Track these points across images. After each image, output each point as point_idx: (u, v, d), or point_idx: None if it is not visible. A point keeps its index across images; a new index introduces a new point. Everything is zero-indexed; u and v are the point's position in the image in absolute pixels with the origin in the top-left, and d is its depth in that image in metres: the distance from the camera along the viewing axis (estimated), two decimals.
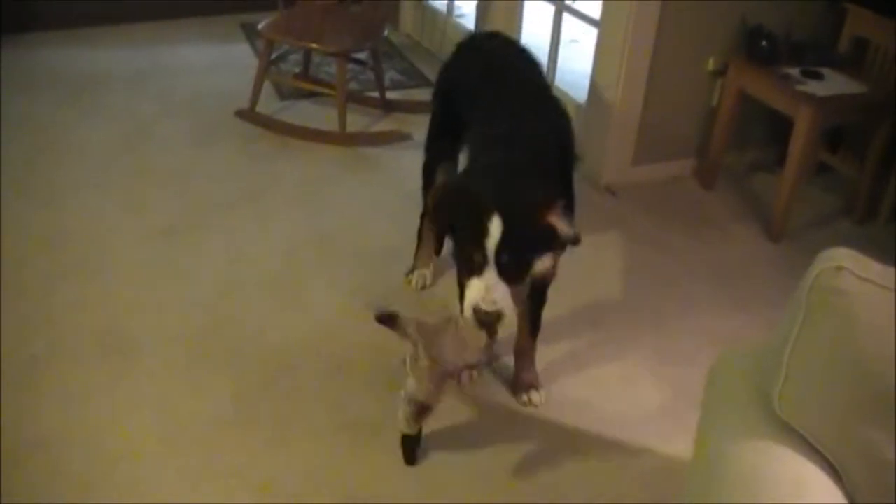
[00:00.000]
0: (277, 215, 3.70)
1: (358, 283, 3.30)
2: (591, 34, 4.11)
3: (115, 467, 2.51)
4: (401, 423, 2.47)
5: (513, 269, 2.21)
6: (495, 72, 2.87)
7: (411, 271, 3.29)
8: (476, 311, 2.20)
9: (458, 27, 5.29)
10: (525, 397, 2.76)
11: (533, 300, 2.68)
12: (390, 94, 4.82)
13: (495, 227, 2.15)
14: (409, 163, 3.86)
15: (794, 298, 1.52)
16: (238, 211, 3.71)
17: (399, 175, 4.03)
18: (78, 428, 2.62)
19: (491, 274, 2.19)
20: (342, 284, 3.29)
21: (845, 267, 1.45)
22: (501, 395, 2.81)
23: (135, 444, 2.59)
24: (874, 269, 1.46)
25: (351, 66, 4.62)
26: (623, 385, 2.90)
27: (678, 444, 2.59)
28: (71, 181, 3.83)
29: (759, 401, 1.60)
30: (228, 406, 2.73)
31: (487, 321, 2.22)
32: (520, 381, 2.79)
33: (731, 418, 1.64)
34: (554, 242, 2.25)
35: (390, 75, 5.11)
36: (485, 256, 2.18)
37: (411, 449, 2.54)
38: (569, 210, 2.38)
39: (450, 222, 2.31)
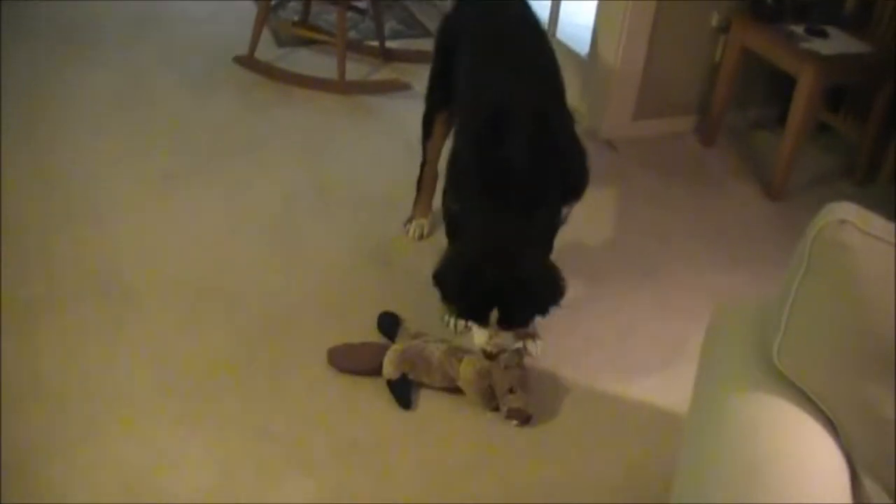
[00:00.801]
0: (276, 163, 3.68)
1: (357, 231, 3.29)
2: None
3: (112, 410, 2.52)
4: (385, 368, 2.58)
5: (514, 325, 2.44)
6: (495, 24, 2.85)
7: (409, 221, 3.28)
8: (483, 351, 2.45)
9: None
10: (522, 346, 2.74)
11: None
12: (390, 44, 4.78)
13: (494, 305, 2.35)
14: (408, 112, 3.83)
15: (796, 252, 1.51)
16: (237, 158, 3.69)
17: (398, 124, 4.01)
18: (76, 371, 2.62)
19: (493, 327, 2.41)
20: (341, 232, 3.28)
21: (849, 221, 1.44)
22: None
23: (132, 389, 2.59)
24: (877, 223, 1.45)
25: (350, 14, 4.57)
26: (620, 339, 2.91)
27: (675, 397, 2.60)
28: (71, 128, 3.80)
29: (757, 354, 1.60)
30: (226, 352, 2.73)
31: (493, 355, 2.47)
32: (518, 330, 2.78)
33: (730, 370, 1.64)
34: (556, 296, 2.45)
35: (390, 25, 5.07)
36: (488, 320, 2.39)
37: (401, 393, 2.58)
38: (574, 168, 2.58)
39: (455, 295, 2.46)
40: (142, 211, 3.34)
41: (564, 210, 2.59)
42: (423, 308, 2.89)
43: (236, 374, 2.66)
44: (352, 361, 2.67)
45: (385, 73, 4.57)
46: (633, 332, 2.93)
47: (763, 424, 1.49)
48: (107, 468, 2.37)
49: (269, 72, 4.40)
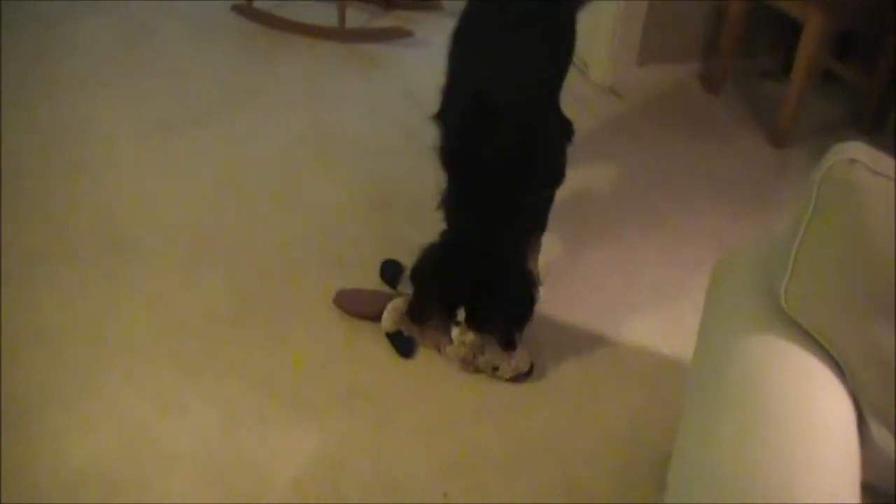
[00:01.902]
0: (276, 112, 3.64)
1: (356, 180, 3.26)
2: None
3: (111, 361, 2.52)
4: (383, 321, 2.58)
5: (480, 327, 2.45)
6: None
7: None
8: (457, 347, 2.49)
9: None
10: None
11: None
12: None
13: (459, 302, 2.43)
14: (409, 60, 3.80)
15: (804, 192, 1.48)
16: (236, 107, 3.65)
17: (399, 73, 3.96)
18: (75, 323, 2.61)
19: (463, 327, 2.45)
20: (341, 181, 3.25)
21: (858, 160, 1.41)
22: None
23: (132, 339, 2.59)
24: (888, 163, 1.42)
25: None
26: (622, 286, 2.89)
27: (678, 344, 2.59)
28: (68, 78, 3.76)
29: (764, 296, 1.57)
30: (225, 301, 2.72)
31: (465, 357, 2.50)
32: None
33: (735, 313, 1.62)
34: (523, 302, 2.44)
35: None
36: (454, 316, 2.44)
37: (400, 344, 2.57)
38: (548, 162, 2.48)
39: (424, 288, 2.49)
40: (141, 160, 3.31)
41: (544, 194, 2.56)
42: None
43: (236, 323, 2.65)
44: (357, 305, 2.66)
45: (386, 21, 4.49)
46: (636, 279, 2.90)
47: (769, 367, 1.47)
48: (106, 417, 2.37)
49: (267, 20, 4.34)
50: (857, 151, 1.43)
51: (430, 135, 3.28)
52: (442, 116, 2.44)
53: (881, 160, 1.42)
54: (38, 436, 2.32)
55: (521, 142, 2.31)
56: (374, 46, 4.23)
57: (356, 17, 4.39)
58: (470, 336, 2.45)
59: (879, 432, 1.50)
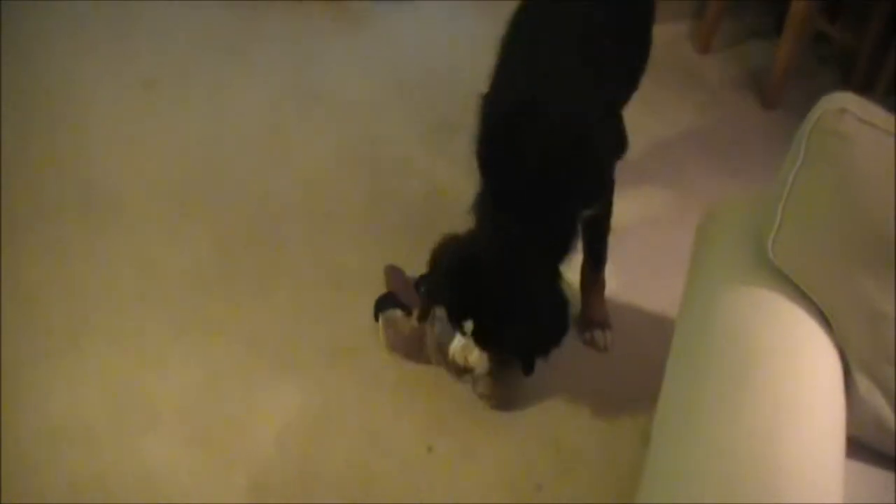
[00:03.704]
0: (262, 69, 3.59)
1: (343, 137, 3.22)
2: None
3: (96, 317, 2.51)
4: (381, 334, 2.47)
5: (486, 345, 2.18)
6: None
7: None
8: (453, 358, 2.24)
9: None
10: (589, 336, 2.53)
11: (590, 233, 2.38)
12: None
13: (470, 313, 2.13)
14: (399, 18, 3.76)
15: (793, 143, 1.47)
16: (221, 65, 3.59)
17: (388, 30, 3.90)
18: (57, 282, 2.60)
19: (469, 341, 2.18)
20: (327, 138, 3.21)
21: (848, 110, 1.40)
22: None
23: (115, 298, 2.57)
24: (877, 113, 1.41)
25: None
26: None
27: (663, 302, 2.58)
28: (48, 33, 3.69)
29: (751, 248, 1.56)
30: (210, 258, 2.70)
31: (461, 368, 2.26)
32: (586, 319, 2.54)
33: (721, 266, 1.61)
34: (547, 331, 2.20)
35: None
36: (461, 328, 2.16)
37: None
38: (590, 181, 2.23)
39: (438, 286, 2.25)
40: (123, 118, 3.26)
41: (587, 212, 2.27)
42: (410, 216, 2.87)
43: (221, 280, 2.63)
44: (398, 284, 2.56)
45: None
46: (622, 239, 2.86)
47: (755, 319, 1.46)
48: (90, 376, 2.36)
49: None
50: (846, 101, 1.42)
51: (418, 94, 3.26)
52: (485, 106, 2.22)
53: (871, 110, 1.42)
54: (19, 392, 2.31)
55: (564, 150, 2.09)
56: (363, 4, 4.17)
57: None
58: (474, 354, 2.21)
59: (865, 385, 1.50)
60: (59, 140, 3.12)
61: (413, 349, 2.40)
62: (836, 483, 1.28)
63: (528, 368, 2.24)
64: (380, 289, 2.52)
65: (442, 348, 2.28)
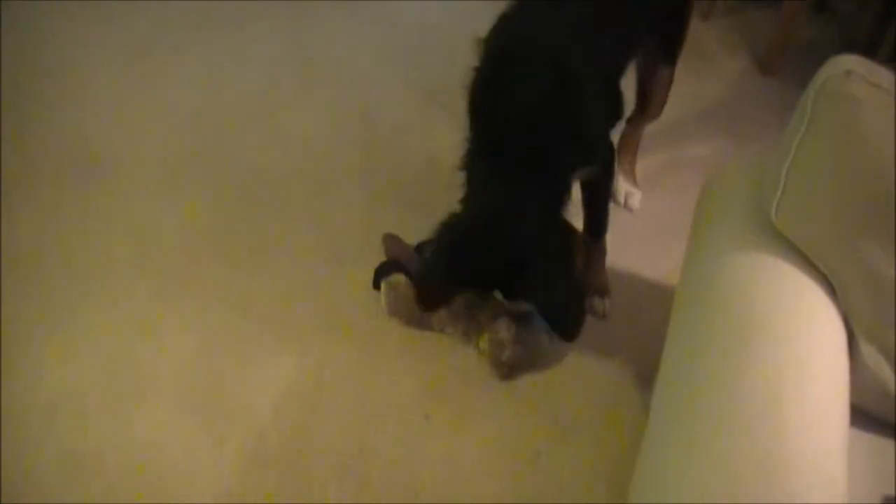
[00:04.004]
0: (259, 39, 3.55)
1: (340, 107, 3.19)
2: None
3: (89, 286, 2.50)
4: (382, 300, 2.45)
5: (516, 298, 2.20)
6: None
7: None
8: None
9: None
10: (588, 303, 2.47)
11: (591, 200, 2.37)
12: None
13: (490, 278, 2.13)
14: None
15: (798, 106, 1.44)
16: (217, 33, 3.56)
17: (384, 2, 3.87)
18: (51, 249, 2.59)
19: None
20: (324, 108, 3.19)
21: (855, 72, 1.37)
22: None
23: (110, 264, 2.57)
24: (885, 75, 1.38)
25: None
26: None
27: (664, 270, 2.56)
28: (44, 1, 3.66)
29: (754, 213, 1.54)
30: (205, 227, 2.69)
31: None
32: (585, 286, 2.48)
33: (724, 231, 1.58)
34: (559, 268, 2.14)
35: None
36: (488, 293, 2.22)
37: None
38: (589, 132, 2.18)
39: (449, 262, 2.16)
40: (118, 86, 3.24)
41: (579, 174, 2.23)
42: (408, 183, 2.85)
43: (216, 248, 2.62)
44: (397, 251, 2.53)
45: None
46: (619, 206, 2.86)
47: (758, 286, 1.44)
48: (83, 342, 2.35)
49: None
50: (853, 63, 1.39)
51: (414, 63, 3.23)
52: (481, 48, 2.16)
53: (878, 72, 1.38)
54: (13, 361, 2.30)
55: (557, 86, 2.02)
56: None
57: None
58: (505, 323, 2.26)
59: (870, 353, 1.48)
60: (53, 109, 3.11)
61: (414, 314, 2.37)
62: (840, 450, 1.26)
63: (572, 327, 2.21)
64: (376, 256, 2.49)
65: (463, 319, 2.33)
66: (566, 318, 2.20)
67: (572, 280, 2.18)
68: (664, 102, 2.67)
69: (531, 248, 2.06)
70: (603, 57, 2.19)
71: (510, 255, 2.06)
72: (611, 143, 2.32)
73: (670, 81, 2.64)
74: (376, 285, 2.44)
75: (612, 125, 2.37)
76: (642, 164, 3.02)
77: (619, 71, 2.36)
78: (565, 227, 2.16)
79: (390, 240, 2.52)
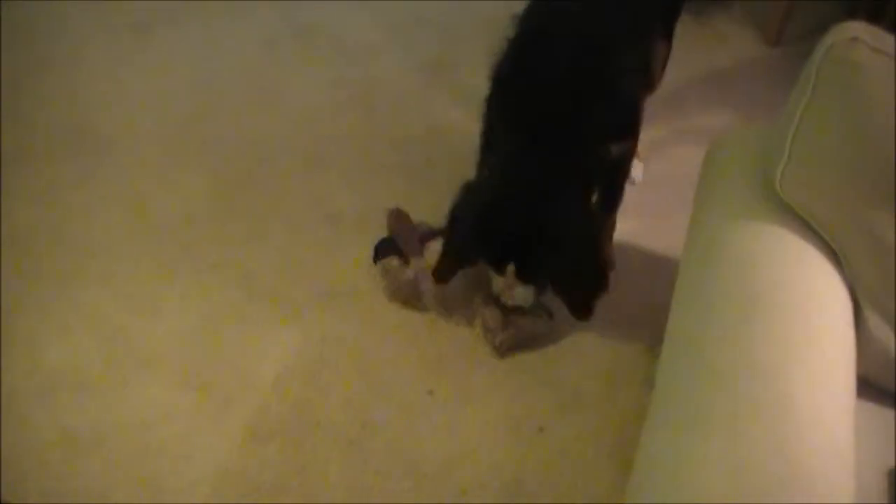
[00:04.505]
0: (253, 8, 3.52)
1: (338, 79, 3.16)
2: None
3: (88, 262, 2.49)
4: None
5: (533, 280, 2.14)
6: None
7: None
8: (497, 299, 2.22)
9: None
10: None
11: (609, 176, 2.32)
12: None
13: (513, 253, 2.08)
14: None
15: (802, 73, 1.42)
16: (213, 7, 3.52)
17: None
18: (48, 225, 2.58)
19: (510, 277, 2.12)
20: (321, 80, 3.16)
21: (860, 38, 1.35)
22: None
23: (107, 240, 2.55)
24: (890, 42, 1.36)
25: None
26: None
27: (667, 241, 2.52)
28: None
29: (758, 182, 1.52)
30: (204, 201, 2.67)
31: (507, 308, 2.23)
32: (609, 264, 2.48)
33: (728, 200, 1.56)
34: (586, 251, 2.13)
35: None
36: (503, 270, 2.11)
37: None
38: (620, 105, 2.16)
39: (469, 236, 2.15)
40: (114, 60, 3.21)
41: (614, 149, 2.19)
42: (407, 155, 2.82)
43: (214, 223, 2.60)
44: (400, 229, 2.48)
45: None
46: None
47: (764, 255, 1.42)
48: (81, 320, 2.35)
49: None
50: (858, 30, 1.38)
51: (413, 32, 3.20)
52: (515, 24, 2.15)
53: (883, 38, 1.37)
54: (11, 339, 2.29)
55: (598, 68, 2.02)
56: None
57: None
58: (519, 290, 2.17)
59: (877, 323, 1.46)
60: (49, 84, 3.08)
61: (412, 297, 2.36)
62: (847, 420, 1.25)
63: (587, 310, 2.19)
64: (377, 229, 2.47)
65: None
66: (586, 299, 2.19)
67: (599, 260, 2.17)
68: (661, 76, 2.64)
69: (561, 225, 2.03)
70: (637, 26, 2.18)
71: (537, 229, 2.03)
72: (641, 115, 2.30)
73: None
74: (376, 260, 2.42)
75: (646, 95, 2.35)
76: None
77: (656, 38, 2.35)
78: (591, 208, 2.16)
79: (395, 215, 2.48)
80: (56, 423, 2.12)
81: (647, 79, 2.33)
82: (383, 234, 2.45)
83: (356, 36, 3.39)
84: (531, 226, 2.03)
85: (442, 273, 2.26)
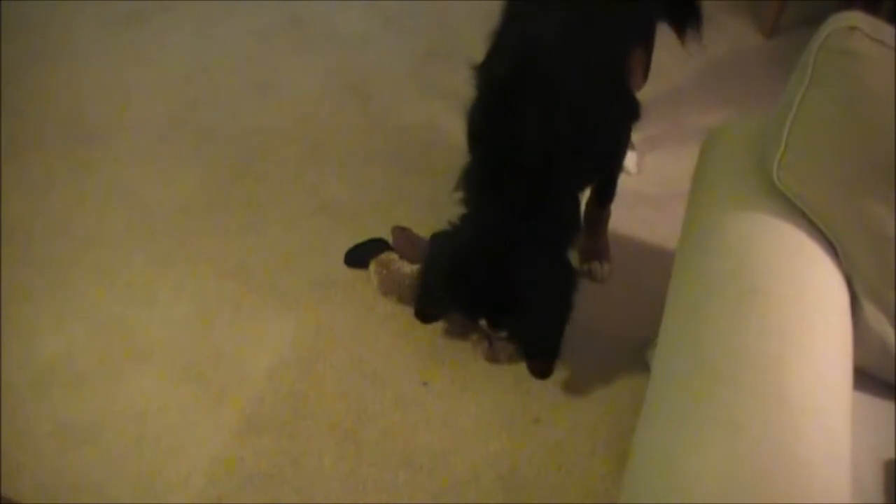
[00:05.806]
0: (249, 3, 3.51)
1: (332, 68, 3.15)
2: None
3: (82, 253, 2.48)
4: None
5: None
6: None
7: None
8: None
9: None
10: (587, 267, 2.44)
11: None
12: None
13: (483, 306, 2.03)
14: None
15: (799, 63, 1.42)
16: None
17: None
18: (43, 216, 2.57)
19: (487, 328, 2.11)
20: (316, 69, 3.15)
21: (858, 27, 1.35)
22: None
23: (102, 231, 2.55)
24: (888, 31, 1.35)
25: None
26: None
27: (663, 233, 2.54)
28: None
29: (755, 173, 1.51)
30: (198, 192, 2.66)
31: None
32: (585, 250, 2.45)
33: (726, 189, 1.56)
34: (556, 307, 2.05)
35: None
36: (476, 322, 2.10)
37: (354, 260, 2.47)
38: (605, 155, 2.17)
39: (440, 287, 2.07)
40: (108, 49, 3.20)
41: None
42: (401, 147, 2.82)
43: (209, 214, 2.59)
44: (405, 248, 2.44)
45: None
46: None
47: (760, 245, 1.41)
48: (75, 310, 2.35)
49: None
50: (856, 19, 1.37)
51: (408, 22, 3.18)
52: (480, 73, 2.05)
53: (881, 28, 1.36)
54: (5, 330, 2.28)
55: (572, 121, 1.91)
56: None
57: None
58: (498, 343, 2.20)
59: (873, 314, 1.46)
60: (44, 75, 3.08)
61: (406, 293, 2.34)
62: (843, 411, 1.25)
63: (545, 370, 2.15)
64: (372, 219, 2.48)
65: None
66: (546, 359, 2.15)
67: (563, 324, 2.09)
68: (646, 75, 2.61)
69: (531, 286, 1.95)
70: (610, 55, 2.08)
71: (503, 287, 1.96)
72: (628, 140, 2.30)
73: (649, 56, 2.56)
74: (348, 263, 2.42)
75: (632, 126, 2.31)
76: (641, 123, 2.99)
77: (633, 57, 2.28)
78: (569, 265, 2.07)
79: (399, 232, 2.43)
80: (50, 415, 2.12)
81: (630, 107, 2.25)
82: (378, 224, 2.45)
83: (351, 26, 3.38)
84: (498, 282, 1.95)
85: (424, 317, 2.23)
